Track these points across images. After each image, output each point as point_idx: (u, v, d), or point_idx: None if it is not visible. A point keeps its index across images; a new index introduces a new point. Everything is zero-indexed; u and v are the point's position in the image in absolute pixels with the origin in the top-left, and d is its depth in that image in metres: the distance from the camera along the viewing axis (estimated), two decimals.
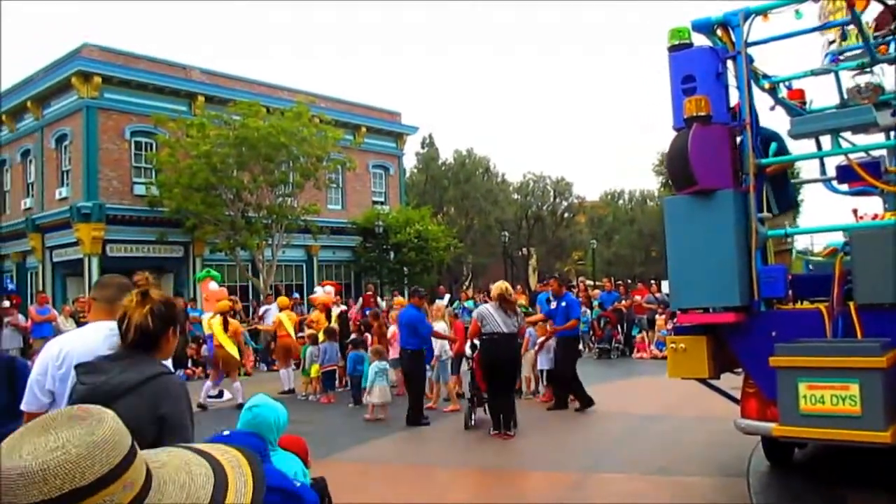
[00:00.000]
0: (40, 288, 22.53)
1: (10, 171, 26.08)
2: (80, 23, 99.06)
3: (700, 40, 6.09)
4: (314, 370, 12.74)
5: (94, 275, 21.14)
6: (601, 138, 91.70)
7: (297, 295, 23.31)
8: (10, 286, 21.34)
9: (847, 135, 6.31)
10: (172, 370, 2.78)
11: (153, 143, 22.36)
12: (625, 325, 18.55)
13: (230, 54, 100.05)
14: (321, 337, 12.81)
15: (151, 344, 2.54)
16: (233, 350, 12.02)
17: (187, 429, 2.46)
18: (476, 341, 9.42)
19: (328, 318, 14.90)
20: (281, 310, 14.92)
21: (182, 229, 21.94)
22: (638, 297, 19.29)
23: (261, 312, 18.81)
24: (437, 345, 11.06)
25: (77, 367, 2.54)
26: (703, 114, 5.60)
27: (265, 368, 17.74)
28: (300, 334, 16.84)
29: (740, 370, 6.14)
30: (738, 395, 6.23)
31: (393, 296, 21.05)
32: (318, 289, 18.54)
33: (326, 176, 24.30)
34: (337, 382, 13.12)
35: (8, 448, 0.93)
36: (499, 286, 9.22)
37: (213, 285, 15.38)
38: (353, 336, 13.92)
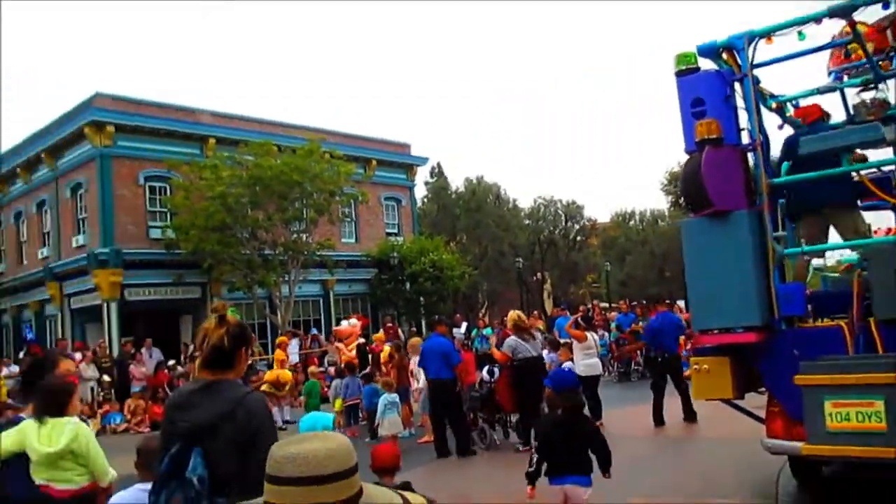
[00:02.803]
0: (60, 335, 22.75)
1: (25, 222, 26.44)
2: (91, 72, 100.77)
3: (706, 64, 6.20)
4: (338, 404, 12.85)
5: (113, 320, 21.36)
6: (608, 159, 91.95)
7: (314, 330, 23.42)
8: (30, 335, 21.56)
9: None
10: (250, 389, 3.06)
11: (167, 187, 22.65)
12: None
13: (238, 95, 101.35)
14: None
15: (227, 362, 2.85)
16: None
17: (274, 436, 2.72)
18: (493, 368, 10.27)
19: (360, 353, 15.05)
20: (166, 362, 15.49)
21: (199, 270, 22.14)
22: None
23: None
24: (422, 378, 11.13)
25: (169, 406, 2.90)
26: (714, 136, 5.69)
27: None
28: (320, 368, 16.96)
29: (764, 389, 6.14)
30: (763, 414, 6.23)
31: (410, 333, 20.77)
32: (343, 322, 18.62)
33: (340, 210, 24.53)
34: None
35: (282, 443, 1.54)
36: (511, 316, 10.30)
37: None
38: (367, 369, 14.02)
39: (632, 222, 53.12)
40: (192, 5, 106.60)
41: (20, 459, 3.68)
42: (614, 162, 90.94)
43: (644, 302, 27.16)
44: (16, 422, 3.89)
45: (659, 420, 10.56)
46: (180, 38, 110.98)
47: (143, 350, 18.29)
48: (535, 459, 5.03)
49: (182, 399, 2.86)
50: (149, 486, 3.55)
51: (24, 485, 3.64)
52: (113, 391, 17.13)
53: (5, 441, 3.75)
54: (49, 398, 3.80)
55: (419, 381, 11.32)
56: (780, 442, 5.82)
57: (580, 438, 5.01)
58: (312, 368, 14.92)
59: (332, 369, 15.47)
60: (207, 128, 24.07)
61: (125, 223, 22.18)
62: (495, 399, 10.20)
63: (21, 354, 20.34)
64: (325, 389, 14.41)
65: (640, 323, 18.92)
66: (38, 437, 3.68)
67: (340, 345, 15.90)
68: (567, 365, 11.24)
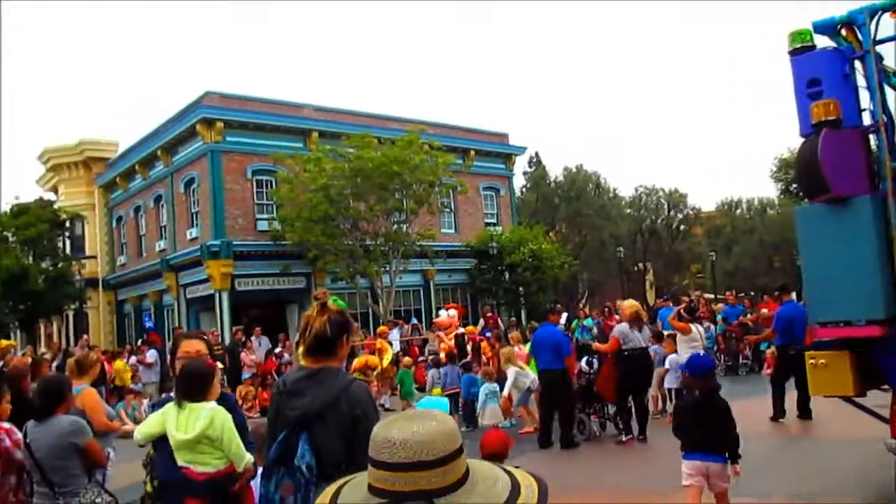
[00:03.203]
0: (176, 324, 23.91)
1: (144, 216, 27.90)
2: (201, 72, 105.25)
3: (823, 42, 5.86)
4: (435, 392, 12.92)
5: (224, 309, 22.28)
6: (714, 146, 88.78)
7: (415, 320, 23.70)
8: (149, 324, 22.76)
9: None
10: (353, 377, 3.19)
11: (273, 181, 23.39)
12: None
13: (339, 89, 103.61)
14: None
15: (329, 350, 2.94)
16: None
17: (375, 421, 2.81)
18: (592, 359, 10.21)
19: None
20: (272, 348, 15.73)
21: (304, 261, 22.80)
22: (765, 310, 18.44)
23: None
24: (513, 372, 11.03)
25: (279, 394, 3.02)
26: (832, 118, 5.36)
27: None
28: (420, 358, 17.14)
29: (888, 387, 5.77)
30: (886, 413, 5.85)
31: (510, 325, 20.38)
32: (441, 312, 18.76)
33: (439, 201, 24.65)
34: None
35: (385, 423, 1.43)
36: (632, 305, 10.27)
37: None
38: (467, 359, 14.07)
39: (739, 211, 51.22)
40: (294, 4, 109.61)
41: (166, 442, 3.74)
42: (719, 149, 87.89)
43: (752, 293, 26.13)
44: (166, 401, 3.98)
45: (781, 413, 10.08)
46: (284, 34, 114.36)
47: (253, 338, 18.97)
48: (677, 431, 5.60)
49: (288, 387, 2.93)
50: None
51: (170, 467, 3.73)
52: (225, 378, 17.87)
53: (149, 425, 3.86)
54: (188, 382, 3.76)
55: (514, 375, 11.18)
56: None
57: (715, 419, 5.33)
58: (406, 360, 15.05)
59: (431, 358, 15.62)
60: (310, 122, 24.72)
61: (235, 216, 23.07)
62: (594, 390, 10.05)
63: (139, 343, 21.55)
64: (423, 378, 14.56)
65: (748, 315, 18.20)
66: (176, 422, 3.70)
67: (441, 333, 16.05)
68: (671, 357, 10.95)
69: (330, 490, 1.49)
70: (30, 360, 9.29)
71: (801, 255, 5.75)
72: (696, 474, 5.25)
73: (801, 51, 5.79)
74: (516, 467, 1.56)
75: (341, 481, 1.52)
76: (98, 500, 3.90)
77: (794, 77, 5.84)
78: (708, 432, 5.28)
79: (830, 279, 5.49)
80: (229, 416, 3.74)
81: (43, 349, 25.71)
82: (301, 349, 3.05)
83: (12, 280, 24.39)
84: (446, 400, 5.88)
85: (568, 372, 9.86)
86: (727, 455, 5.29)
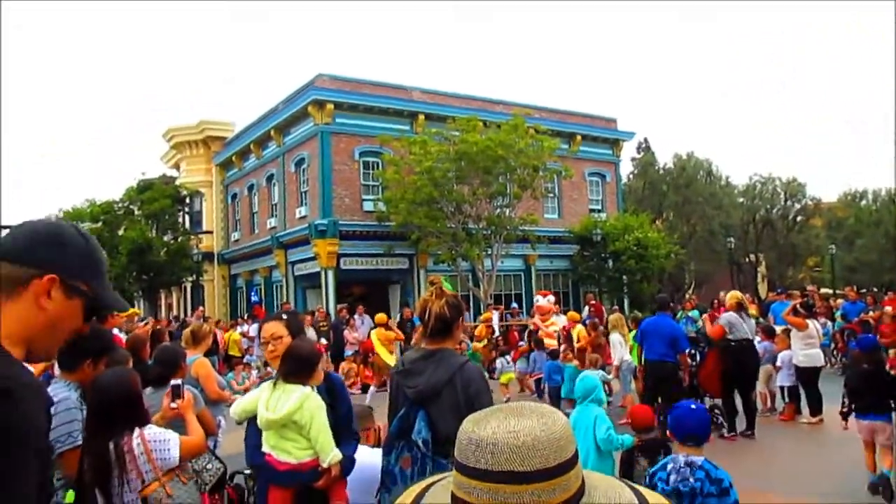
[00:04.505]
0: (284, 300, 24.77)
1: (257, 194, 28.98)
2: (315, 54, 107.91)
3: None
4: (504, 378, 13.61)
5: (330, 287, 22.90)
6: (837, 134, 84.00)
7: (515, 305, 23.64)
8: (255, 298, 23.64)
9: None
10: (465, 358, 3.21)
11: (379, 162, 23.79)
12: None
13: (447, 72, 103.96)
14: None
15: (447, 331, 3.10)
16: (388, 359, 12.81)
17: (490, 401, 2.95)
18: (694, 351, 9.90)
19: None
20: (376, 326, 14.45)
21: (407, 242, 23.11)
22: (889, 308, 17.35)
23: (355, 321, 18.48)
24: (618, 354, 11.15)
25: (397, 373, 3.24)
26: None
27: None
28: (521, 343, 17.07)
29: None
30: None
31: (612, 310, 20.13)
32: (540, 298, 18.66)
33: (543, 186, 24.42)
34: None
35: (477, 419, 1.11)
36: (734, 295, 9.86)
37: None
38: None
39: (863, 202, 48.32)
40: None
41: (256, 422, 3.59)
42: (843, 138, 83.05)
43: (875, 290, 24.64)
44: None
45: None
46: (395, 18, 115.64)
47: (356, 316, 19.39)
48: (846, 403, 6.80)
49: (407, 367, 3.16)
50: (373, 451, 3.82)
51: (254, 450, 3.60)
52: (329, 354, 18.41)
53: (246, 401, 3.71)
54: (291, 363, 3.53)
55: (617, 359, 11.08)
56: None
57: (881, 386, 6.54)
58: (476, 344, 14.98)
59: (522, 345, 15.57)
60: (417, 104, 24.95)
61: (342, 196, 23.63)
62: (695, 384, 9.73)
63: (245, 317, 22.45)
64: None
65: (871, 312, 17.17)
66: (267, 400, 3.50)
67: (537, 320, 15.88)
68: (784, 354, 10.48)
69: (414, 490, 1.24)
70: (150, 329, 9.81)
71: None
72: (869, 432, 6.50)
73: None
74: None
75: (430, 480, 1.27)
76: (209, 465, 4.01)
77: None
78: (876, 397, 6.45)
79: None
80: (322, 406, 3.46)
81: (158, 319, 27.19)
82: (419, 331, 3.27)
83: (137, 252, 25.92)
84: (597, 375, 6.21)
85: (680, 367, 9.53)
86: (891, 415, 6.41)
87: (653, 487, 3.30)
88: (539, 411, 1.11)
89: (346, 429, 3.60)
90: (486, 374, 11.96)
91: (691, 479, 3.43)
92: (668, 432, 3.95)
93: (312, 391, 3.50)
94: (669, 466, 3.56)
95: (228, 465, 5.24)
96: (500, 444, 1.04)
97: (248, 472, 5.01)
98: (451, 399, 2.95)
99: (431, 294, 3.15)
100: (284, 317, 3.62)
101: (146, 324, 12.23)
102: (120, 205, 28.89)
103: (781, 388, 10.75)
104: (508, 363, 13.97)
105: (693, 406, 3.87)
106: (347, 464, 3.51)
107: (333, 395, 3.61)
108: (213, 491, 4.59)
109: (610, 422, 5.41)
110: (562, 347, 11.95)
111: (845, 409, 6.78)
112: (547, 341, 14.01)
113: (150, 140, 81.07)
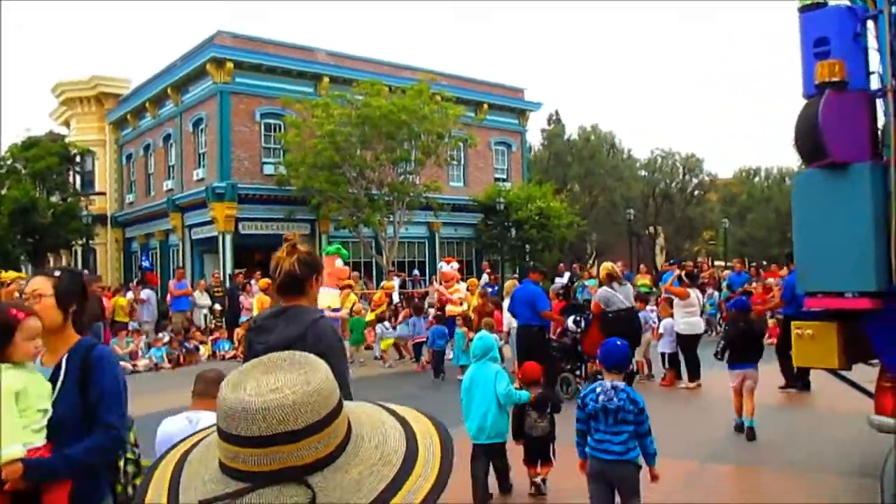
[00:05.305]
0: (180, 265, 23.95)
1: (153, 155, 27.80)
2: (213, 12, 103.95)
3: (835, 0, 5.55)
4: (384, 344, 14.34)
5: (227, 251, 22.26)
6: (735, 113, 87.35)
7: (416, 272, 23.62)
8: (146, 263, 22.74)
9: None
10: (322, 314, 3.15)
11: (281, 125, 23.15)
12: None
13: (353, 33, 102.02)
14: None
15: (298, 288, 3.00)
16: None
17: (344, 358, 3.07)
18: (579, 318, 10.19)
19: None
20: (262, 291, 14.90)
21: (308, 207, 22.66)
22: (770, 280, 18.21)
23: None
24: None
25: (249, 330, 3.16)
26: (836, 79, 5.07)
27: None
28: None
29: (876, 361, 5.60)
30: (872, 388, 5.70)
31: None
32: (444, 265, 18.70)
33: (448, 153, 24.35)
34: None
35: (234, 382, 1.03)
36: (605, 267, 10.34)
37: (339, 262, 15.78)
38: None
39: (756, 179, 50.50)
40: None
41: None
42: (741, 115, 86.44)
43: (764, 263, 25.81)
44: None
45: (793, 379, 9.94)
46: None
47: (253, 282, 18.93)
48: (720, 348, 8.02)
49: (258, 323, 3.10)
50: (197, 414, 3.59)
51: None
52: (224, 319, 17.94)
53: None
54: None
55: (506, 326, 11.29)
56: (890, 420, 5.31)
57: (752, 340, 7.97)
58: (357, 306, 14.99)
59: (431, 311, 15.60)
60: (322, 66, 24.36)
61: (241, 158, 22.92)
62: (579, 349, 9.97)
63: (135, 282, 21.61)
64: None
65: (753, 283, 17.97)
66: None
67: (440, 287, 15.96)
68: (666, 321, 10.81)
69: (171, 459, 1.12)
70: (16, 293, 9.20)
71: (795, 222, 5.52)
72: (739, 378, 7.69)
73: (811, 7, 5.48)
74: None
75: (188, 444, 1.16)
76: None
77: (801, 35, 5.54)
78: (748, 350, 7.76)
79: (823, 248, 5.27)
80: (11, 388, 2.53)
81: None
82: (273, 288, 3.13)
83: (20, 211, 24.42)
84: (493, 337, 6.47)
85: (546, 329, 9.84)
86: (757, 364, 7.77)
87: (584, 406, 4.36)
88: (294, 360, 1.07)
89: (99, 418, 2.68)
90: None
91: (615, 399, 4.28)
92: (597, 363, 5.45)
93: (16, 368, 2.60)
94: (598, 389, 4.37)
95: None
96: (270, 407, 0.97)
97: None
98: None
99: (283, 250, 3.03)
100: (56, 273, 2.83)
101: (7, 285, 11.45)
102: (2, 163, 27.13)
103: (662, 354, 11.09)
104: (388, 328, 14.26)
105: (619, 343, 4.66)
106: (66, 465, 2.57)
107: (87, 371, 2.72)
108: None
109: (509, 378, 5.80)
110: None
111: (718, 353, 8.01)
112: (450, 308, 14.15)
113: (38, 94, 76.59)
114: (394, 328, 14.94)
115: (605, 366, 4.63)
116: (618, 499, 4.39)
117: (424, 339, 13.53)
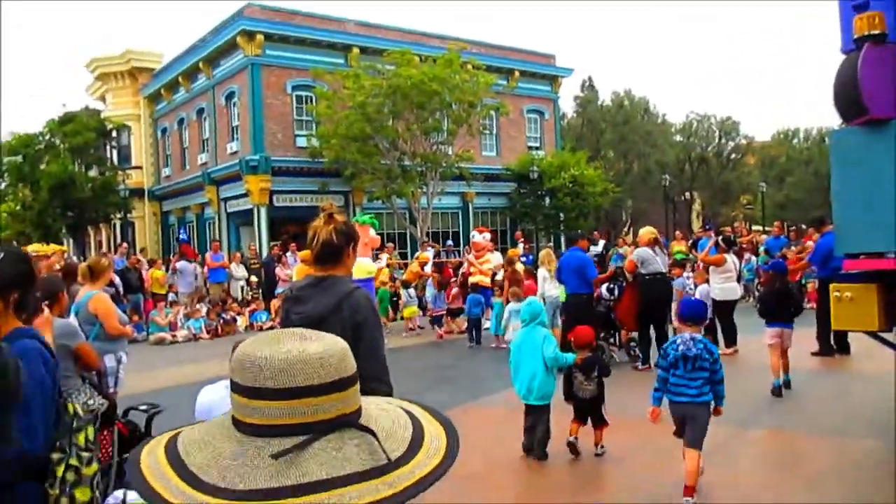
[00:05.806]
0: (216, 238, 24.26)
1: (187, 129, 28.03)
2: None
3: None
4: (408, 312, 14.46)
5: (262, 224, 22.48)
6: (771, 73, 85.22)
7: (450, 242, 23.62)
8: (183, 236, 23.03)
9: None
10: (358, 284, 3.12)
11: (312, 97, 23.15)
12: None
13: (381, 3, 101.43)
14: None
15: (335, 258, 3.01)
16: None
17: (379, 328, 3.00)
18: (613, 286, 10.09)
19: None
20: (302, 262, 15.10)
21: (341, 179, 22.72)
22: (810, 243, 17.83)
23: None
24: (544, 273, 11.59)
25: (285, 300, 3.14)
26: (876, 32, 4.92)
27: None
28: (453, 279, 17.17)
29: None
30: None
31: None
32: (476, 234, 18.69)
33: (480, 122, 24.17)
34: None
35: (268, 340, 1.08)
36: (649, 231, 10.15)
37: (372, 232, 15.86)
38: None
39: (795, 141, 49.42)
40: None
41: None
42: (779, 74, 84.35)
43: (804, 226, 25.31)
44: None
45: (827, 349, 9.83)
46: None
47: (289, 254, 19.12)
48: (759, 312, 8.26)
49: (295, 294, 3.09)
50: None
51: None
52: (261, 291, 18.19)
53: None
54: None
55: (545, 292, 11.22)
56: None
57: (788, 301, 8.10)
58: (383, 277, 15.09)
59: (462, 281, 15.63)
60: (351, 37, 24.25)
61: (274, 131, 23.01)
62: (613, 317, 9.94)
63: (172, 255, 21.92)
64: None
65: (792, 247, 17.66)
66: None
67: (471, 257, 15.93)
68: (702, 287, 10.69)
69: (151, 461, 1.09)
70: (57, 266, 9.43)
71: (833, 181, 5.40)
72: (776, 337, 7.82)
73: None
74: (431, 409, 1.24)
75: (151, 447, 1.13)
76: (90, 401, 3.83)
77: None
78: (785, 309, 7.92)
79: (862, 208, 5.15)
80: None
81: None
82: (310, 257, 3.10)
83: (59, 187, 24.91)
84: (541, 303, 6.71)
85: (594, 296, 9.82)
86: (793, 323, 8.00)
87: (666, 356, 4.91)
88: (312, 334, 1.11)
89: (30, 395, 2.43)
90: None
91: (694, 348, 4.81)
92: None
93: None
94: (678, 340, 4.93)
95: (130, 403, 5.09)
96: (326, 355, 1.05)
97: (143, 407, 4.86)
98: (337, 327, 2.75)
99: (321, 220, 3.05)
100: None
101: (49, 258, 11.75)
102: (41, 138, 27.61)
103: None
104: (412, 297, 14.37)
105: (695, 298, 5.63)
106: None
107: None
108: (102, 427, 4.42)
109: (556, 341, 6.06)
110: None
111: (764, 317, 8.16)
112: (479, 278, 14.15)
113: (75, 71, 77.41)
114: (419, 297, 15.06)
115: (684, 318, 5.35)
116: None
117: (443, 312, 13.84)
